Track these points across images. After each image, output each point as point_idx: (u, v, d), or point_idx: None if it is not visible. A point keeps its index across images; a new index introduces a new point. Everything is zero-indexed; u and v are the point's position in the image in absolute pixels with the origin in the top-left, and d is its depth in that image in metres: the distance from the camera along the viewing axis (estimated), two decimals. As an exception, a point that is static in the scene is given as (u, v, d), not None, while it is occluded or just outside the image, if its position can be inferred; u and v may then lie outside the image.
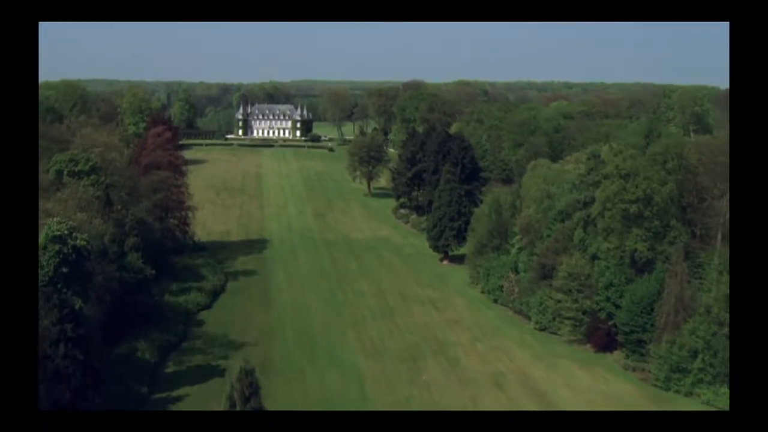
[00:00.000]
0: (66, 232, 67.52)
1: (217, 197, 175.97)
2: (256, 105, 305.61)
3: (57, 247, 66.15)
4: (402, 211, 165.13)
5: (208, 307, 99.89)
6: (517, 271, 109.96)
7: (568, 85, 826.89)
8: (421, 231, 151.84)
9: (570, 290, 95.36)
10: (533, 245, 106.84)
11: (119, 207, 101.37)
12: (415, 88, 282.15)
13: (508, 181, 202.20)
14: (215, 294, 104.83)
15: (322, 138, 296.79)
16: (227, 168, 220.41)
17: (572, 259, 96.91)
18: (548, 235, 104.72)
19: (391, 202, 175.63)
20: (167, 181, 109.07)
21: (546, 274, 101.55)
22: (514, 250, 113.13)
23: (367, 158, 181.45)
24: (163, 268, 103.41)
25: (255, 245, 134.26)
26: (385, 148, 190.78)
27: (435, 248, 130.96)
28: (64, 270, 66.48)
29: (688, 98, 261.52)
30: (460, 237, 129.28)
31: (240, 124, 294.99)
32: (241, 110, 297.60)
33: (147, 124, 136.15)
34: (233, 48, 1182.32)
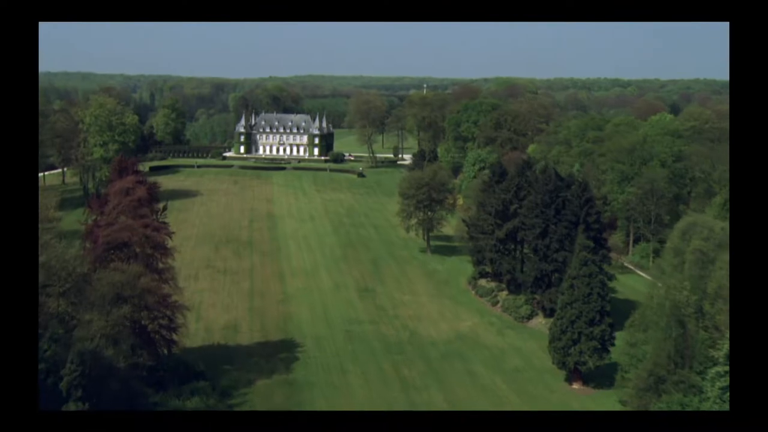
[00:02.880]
0: None
1: (216, 256, 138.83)
2: (262, 114, 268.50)
3: None
4: (483, 282, 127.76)
5: None
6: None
7: (620, 83, 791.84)
8: (520, 319, 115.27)
9: None
10: None
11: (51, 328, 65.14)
12: (469, 95, 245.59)
13: (610, 226, 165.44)
14: (222, 477, 67.45)
15: (346, 157, 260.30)
16: (228, 204, 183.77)
17: None
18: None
19: (461, 264, 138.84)
20: (141, 283, 71.52)
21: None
22: (713, 390, 75.82)
23: (428, 201, 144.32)
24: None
25: (278, 353, 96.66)
26: (450, 185, 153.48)
27: (562, 364, 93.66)
28: None
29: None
30: (604, 349, 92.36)
31: (241, 138, 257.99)
32: (242, 121, 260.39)
33: (110, 173, 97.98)
34: (225, 37, 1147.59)
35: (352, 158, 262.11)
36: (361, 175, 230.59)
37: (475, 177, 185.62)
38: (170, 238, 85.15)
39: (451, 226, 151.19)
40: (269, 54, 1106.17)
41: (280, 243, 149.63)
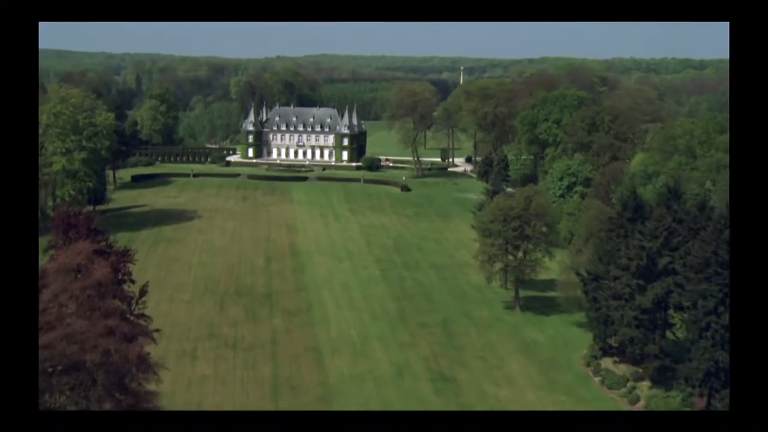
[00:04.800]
0: None
1: (221, 318, 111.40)
2: (275, 108, 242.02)
3: None
4: (608, 364, 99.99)
5: None
6: None
7: (691, 63, 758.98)
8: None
9: None
10: None
11: None
12: (546, 85, 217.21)
13: None
14: None
15: (383, 162, 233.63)
16: (236, 233, 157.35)
17: None
18: None
19: (567, 329, 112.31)
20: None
21: None
22: None
23: (519, 239, 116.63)
24: None
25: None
26: (550, 218, 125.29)
27: None
28: None
29: None
30: None
31: (249, 138, 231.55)
32: (250, 116, 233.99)
33: (51, 234, 69.41)
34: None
35: (390, 164, 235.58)
36: (405, 188, 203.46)
37: (562, 196, 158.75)
38: (154, 341, 57.72)
39: (547, 272, 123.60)
40: (275, 30, 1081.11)
41: (310, 296, 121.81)
